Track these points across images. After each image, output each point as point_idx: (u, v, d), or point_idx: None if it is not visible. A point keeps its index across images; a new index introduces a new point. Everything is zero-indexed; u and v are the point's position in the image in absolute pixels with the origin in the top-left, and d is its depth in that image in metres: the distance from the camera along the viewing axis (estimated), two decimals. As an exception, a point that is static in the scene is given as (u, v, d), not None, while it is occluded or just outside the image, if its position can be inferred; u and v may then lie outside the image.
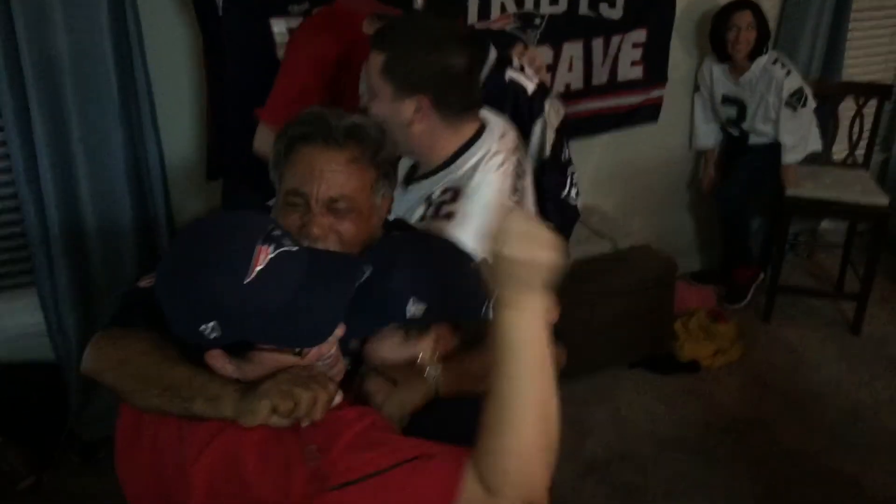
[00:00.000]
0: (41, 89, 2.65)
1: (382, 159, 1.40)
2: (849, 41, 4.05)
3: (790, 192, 3.67)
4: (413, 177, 1.73)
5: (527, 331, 1.04)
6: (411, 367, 1.25)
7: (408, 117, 1.60)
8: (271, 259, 1.06)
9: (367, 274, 1.15)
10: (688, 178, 4.11)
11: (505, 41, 2.51)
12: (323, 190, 1.35)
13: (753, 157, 3.75)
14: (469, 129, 1.66)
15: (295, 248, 1.11)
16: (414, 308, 1.23)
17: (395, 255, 1.29)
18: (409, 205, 1.67)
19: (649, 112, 3.77)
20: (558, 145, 2.13)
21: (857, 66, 4.23)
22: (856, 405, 3.30)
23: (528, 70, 2.14)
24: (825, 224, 4.44)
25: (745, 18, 3.50)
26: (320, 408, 1.07)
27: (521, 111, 2.05)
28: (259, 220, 1.14)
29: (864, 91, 3.91)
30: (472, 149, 1.65)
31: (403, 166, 1.77)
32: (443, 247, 1.38)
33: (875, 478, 2.92)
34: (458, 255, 1.35)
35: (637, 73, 3.60)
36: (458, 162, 1.64)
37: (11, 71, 2.61)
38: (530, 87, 2.09)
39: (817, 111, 3.64)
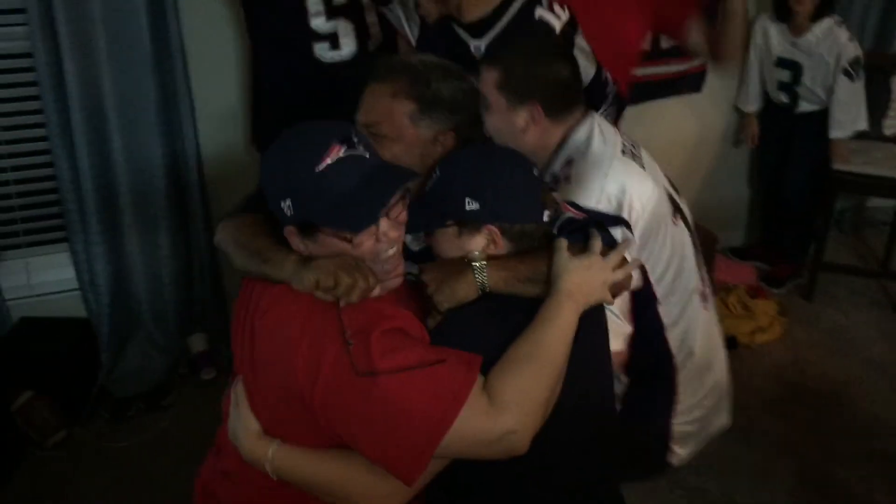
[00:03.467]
0: (75, 46, 2.63)
1: (424, 93, 1.58)
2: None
3: (837, 166, 3.55)
4: None
5: (575, 312, 1.34)
6: (463, 262, 1.37)
7: (521, 125, 1.76)
8: (339, 158, 1.26)
9: (413, 181, 1.35)
10: (730, 150, 4.00)
11: None
12: (360, 116, 1.60)
13: (806, 135, 3.61)
14: (576, 116, 1.82)
15: (365, 154, 1.30)
16: (469, 206, 1.37)
17: (459, 159, 1.46)
18: None
19: (694, 81, 3.67)
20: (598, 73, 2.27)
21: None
22: (898, 386, 3.21)
23: (556, 8, 2.17)
24: (873, 201, 4.32)
25: None
26: (357, 293, 1.26)
27: None
28: (344, 126, 1.34)
29: (919, 63, 3.77)
30: (582, 125, 1.80)
31: None
32: (507, 154, 1.49)
33: (917, 462, 2.84)
34: (521, 163, 1.45)
35: (682, 39, 3.49)
36: (570, 139, 1.79)
37: (46, 31, 2.60)
38: (557, 25, 2.16)
39: (868, 84, 3.51)
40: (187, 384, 3.11)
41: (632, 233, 1.66)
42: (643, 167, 1.79)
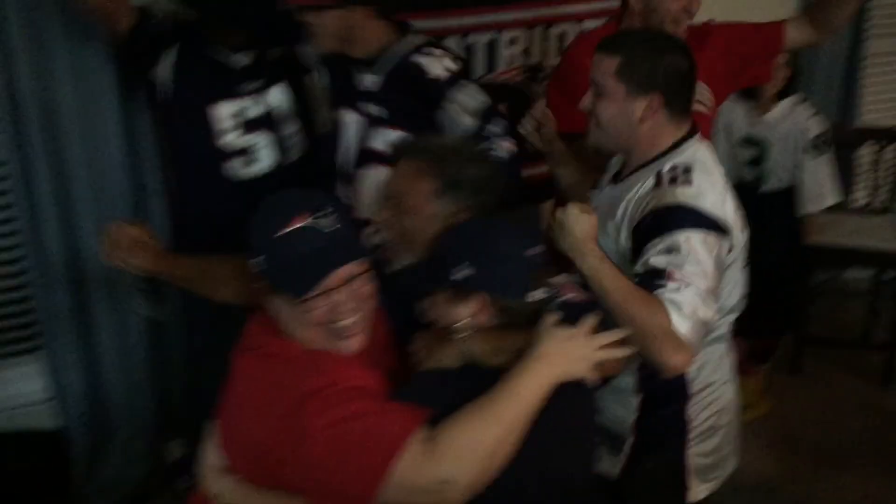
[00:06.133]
0: (47, 141, 2.59)
1: (447, 173, 1.62)
2: (865, 87, 4.01)
3: (812, 240, 3.57)
4: (623, 174, 1.87)
5: (545, 377, 1.32)
6: (449, 331, 1.38)
7: (639, 115, 1.73)
8: (299, 227, 1.33)
9: (363, 257, 1.38)
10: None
11: (510, 94, 2.47)
12: (386, 188, 1.71)
13: (775, 214, 3.63)
14: (687, 125, 1.81)
15: (331, 228, 1.34)
16: (462, 271, 1.37)
17: (462, 227, 1.49)
18: (614, 196, 1.83)
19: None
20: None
21: (875, 111, 4.17)
22: (891, 459, 3.17)
23: (446, 61, 2.18)
24: (849, 273, 4.33)
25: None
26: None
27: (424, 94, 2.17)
28: (320, 196, 1.40)
29: (883, 136, 3.82)
30: (692, 140, 1.80)
31: (613, 165, 1.97)
32: (510, 229, 1.47)
33: (916, 538, 2.77)
34: (522, 239, 1.44)
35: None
36: (683, 147, 1.78)
37: (15, 128, 2.57)
38: (438, 72, 2.15)
39: (835, 157, 3.56)
40: (164, 494, 3.00)
41: (730, 250, 1.78)
42: None
